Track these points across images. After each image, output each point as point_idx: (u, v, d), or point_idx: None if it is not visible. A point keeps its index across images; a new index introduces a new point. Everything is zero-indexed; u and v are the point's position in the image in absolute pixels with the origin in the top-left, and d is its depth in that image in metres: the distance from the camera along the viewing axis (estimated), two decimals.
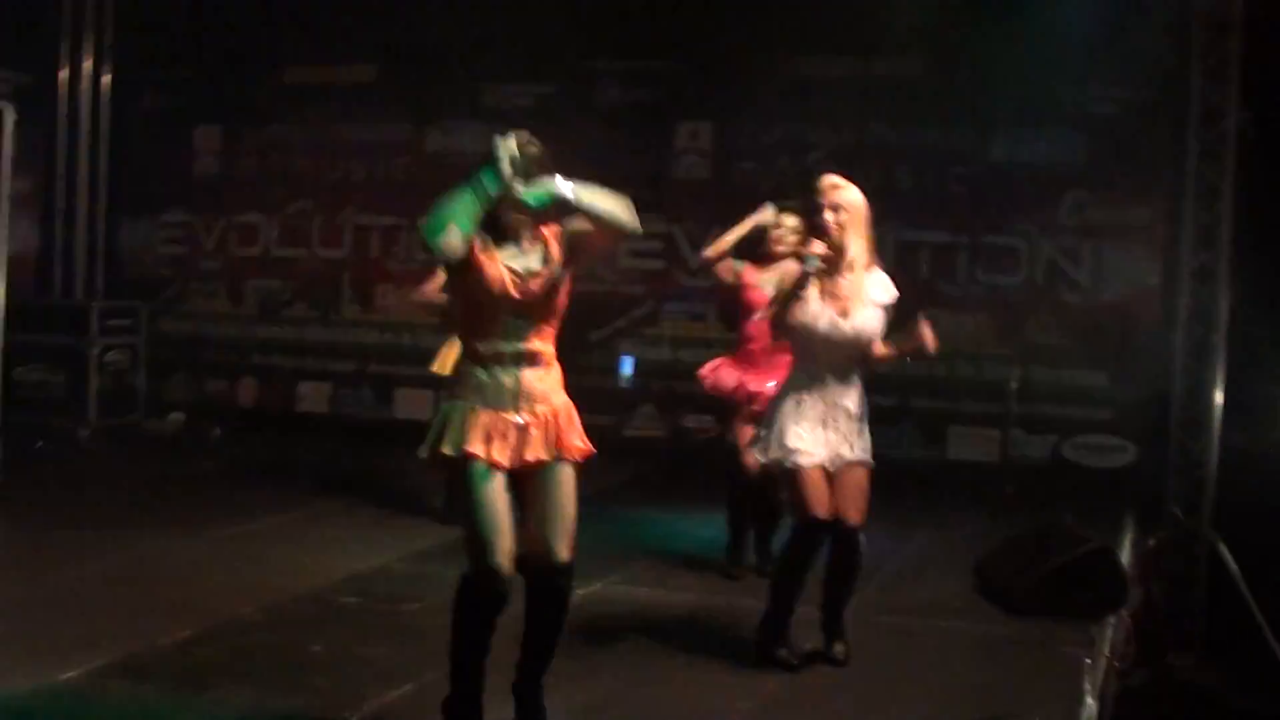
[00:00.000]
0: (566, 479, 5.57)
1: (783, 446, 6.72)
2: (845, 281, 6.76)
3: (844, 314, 6.72)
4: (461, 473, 5.42)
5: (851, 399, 6.87)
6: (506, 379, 5.45)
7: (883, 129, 12.86)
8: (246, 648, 7.01)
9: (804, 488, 6.70)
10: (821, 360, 6.78)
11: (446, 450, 5.40)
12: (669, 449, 13.31)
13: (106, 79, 15.51)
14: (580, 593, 8.01)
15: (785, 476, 6.80)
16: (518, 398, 5.46)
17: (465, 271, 5.37)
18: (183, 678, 6.47)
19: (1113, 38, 11.74)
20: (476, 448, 5.37)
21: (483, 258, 5.37)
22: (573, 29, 13.36)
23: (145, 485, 11.73)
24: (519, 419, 5.45)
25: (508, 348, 5.45)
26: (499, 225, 5.39)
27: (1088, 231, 12.27)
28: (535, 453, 5.47)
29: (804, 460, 6.70)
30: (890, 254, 12.21)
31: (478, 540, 5.37)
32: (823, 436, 6.76)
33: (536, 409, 5.49)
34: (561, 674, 6.33)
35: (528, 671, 5.66)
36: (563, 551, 5.53)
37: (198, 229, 15.34)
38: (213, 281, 15.27)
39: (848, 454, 6.83)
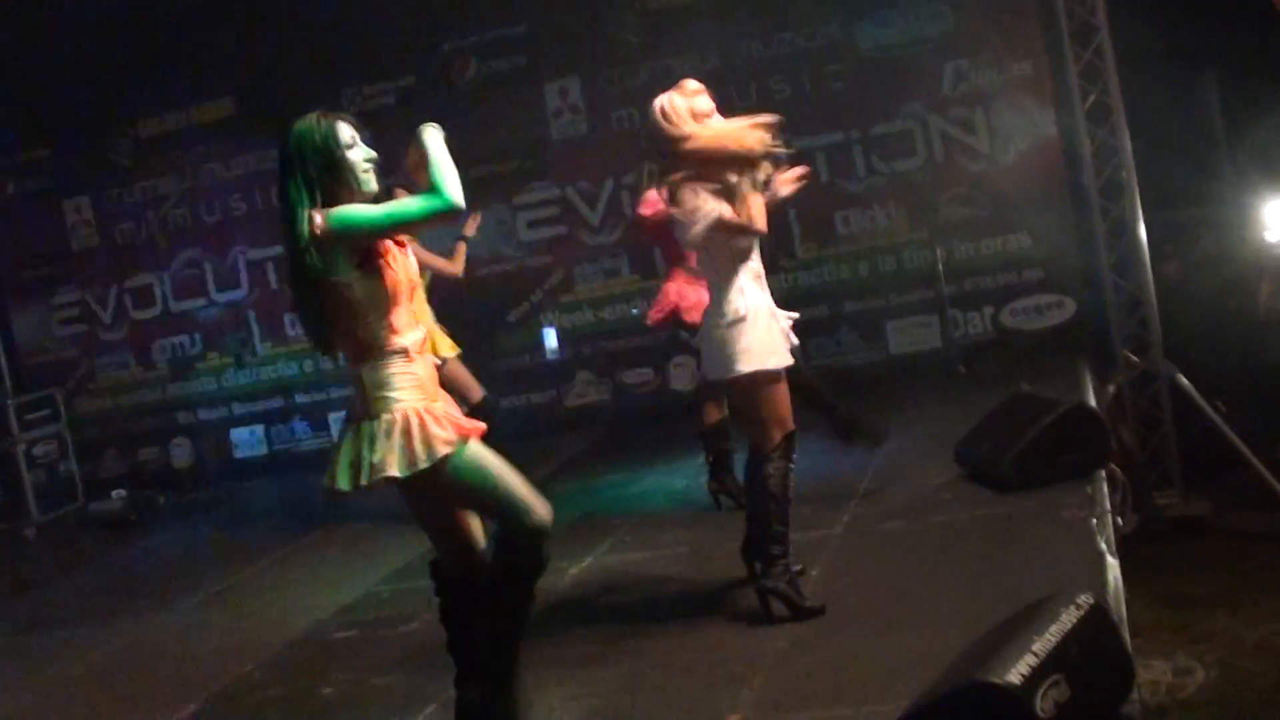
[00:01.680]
0: None
1: (764, 354, 6.49)
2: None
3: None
4: (458, 460, 5.04)
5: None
6: (427, 368, 5.20)
7: (747, 45, 12.71)
8: (258, 706, 6.87)
9: (783, 398, 6.56)
10: (756, 257, 6.62)
11: (437, 449, 4.98)
12: (614, 410, 13.18)
13: None
14: (573, 570, 7.99)
15: (763, 386, 6.55)
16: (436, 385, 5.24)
17: (376, 257, 5.02)
18: None
19: None
20: (463, 427, 5.10)
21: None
22: (419, 16, 13.20)
23: (105, 570, 11.51)
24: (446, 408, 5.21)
25: (418, 334, 5.20)
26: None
27: (975, 98, 12.18)
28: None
29: (781, 365, 6.54)
30: (786, 164, 12.20)
31: (522, 494, 5.13)
32: (780, 338, 6.61)
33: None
34: (587, 656, 6.25)
35: None
36: None
37: (91, 303, 15.06)
38: (119, 351, 14.99)
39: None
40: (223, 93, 14.22)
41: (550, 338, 13.34)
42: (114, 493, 13.82)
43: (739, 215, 6.39)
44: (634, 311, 12.80)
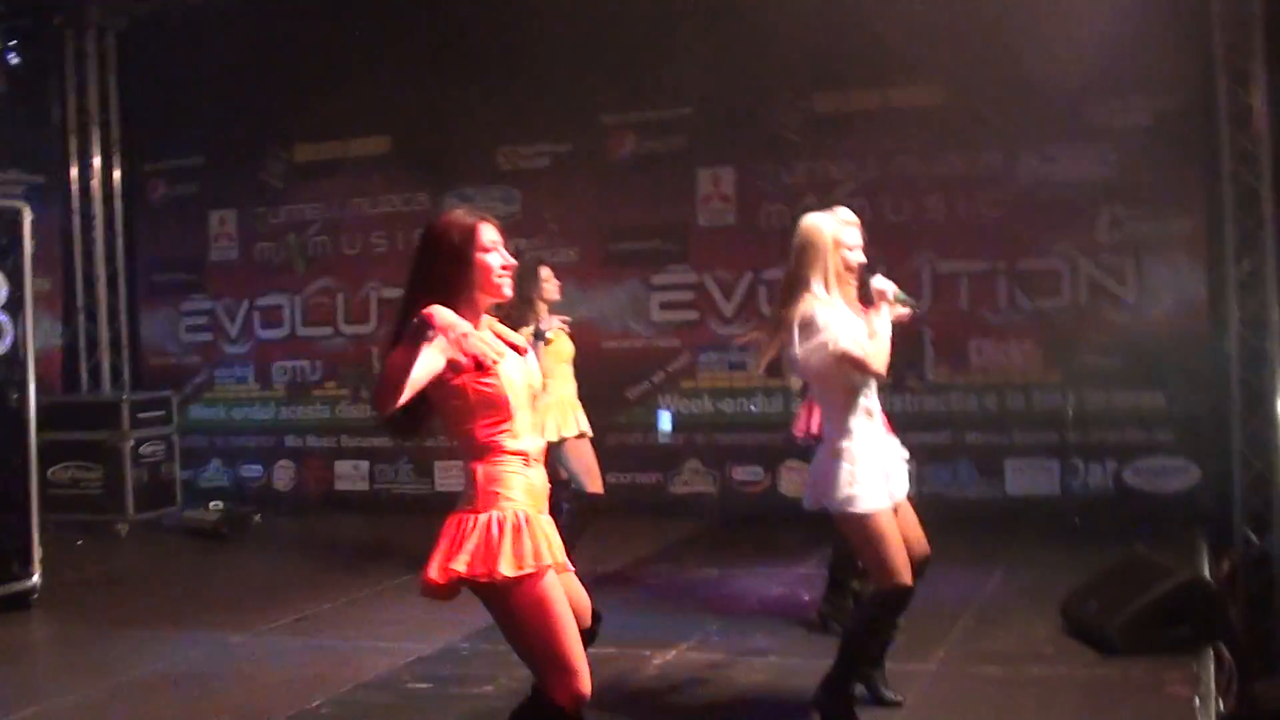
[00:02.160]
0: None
1: (859, 495, 6.35)
2: None
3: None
4: (530, 589, 4.80)
5: None
6: (541, 478, 5.05)
7: (908, 160, 12.63)
8: None
9: (892, 545, 6.36)
10: (872, 394, 6.51)
11: (524, 565, 4.78)
12: (719, 503, 13.06)
13: (117, 173, 15.47)
14: (657, 660, 7.87)
15: (861, 529, 6.37)
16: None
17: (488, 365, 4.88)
18: None
19: (1134, 48, 11.52)
20: (549, 555, 4.87)
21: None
22: (584, 85, 13.35)
23: (190, 579, 11.57)
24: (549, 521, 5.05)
25: (539, 442, 5.09)
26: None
27: (1128, 247, 12.01)
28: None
29: (875, 508, 6.36)
30: (928, 286, 12.13)
31: (566, 666, 4.84)
32: (885, 477, 6.47)
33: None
34: None
35: None
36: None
37: (220, 314, 15.21)
38: (240, 366, 15.12)
39: (899, 491, 6.57)
40: (381, 130, 14.39)
41: (665, 420, 13.27)
42: (211, 503, 13.90)
43: (858, 350, 6.31)
44: (752, 408, 12.73)
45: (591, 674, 4.89)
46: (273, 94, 14.52)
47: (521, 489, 4.89)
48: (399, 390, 4.51)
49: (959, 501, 12.18)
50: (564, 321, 9.68)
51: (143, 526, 13.58)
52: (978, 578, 9.74)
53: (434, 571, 4.83)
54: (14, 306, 10.12)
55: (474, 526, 4.81)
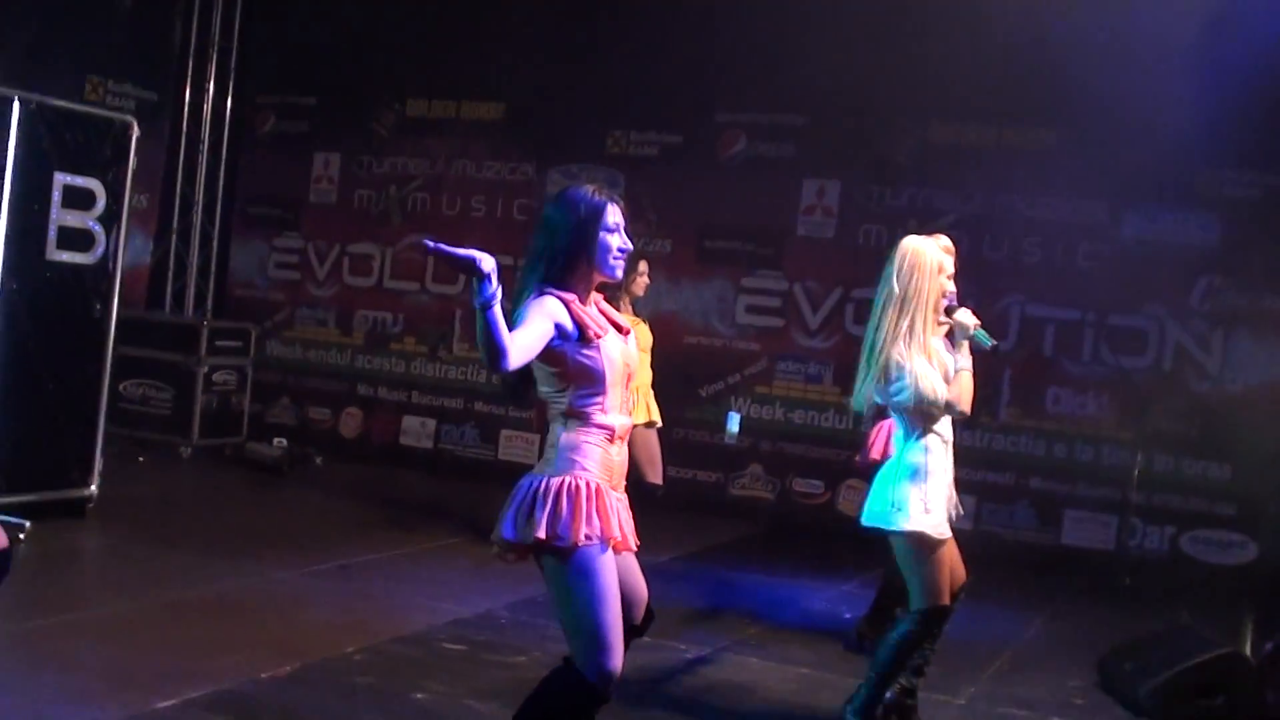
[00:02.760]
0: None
1: (928, 517, 6.40)
2: None
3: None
4: (583, 558, 4.86)
5: None
6: (621, 456, 5.11)
7: (1013, 199, 12.60)
8: (349, 690, 6.85)
9: (941, 568, 6.44)
10: (948, 426, 6.55)
11: (590, 535, 4.84)
12: (775, 511, 13.07)
13: (229, 100, 15.56)
14: (690, 656, 7.91)
15: (919, 549, 6.46)
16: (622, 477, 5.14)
17: (592, 334, 4.96)
18: (281, 717, 6.31)
19: (1252, 118, 11.45)
20: (613, 530, 4.95)
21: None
22: (702, 80, 13.34)
23: (246, 510, 11.70)
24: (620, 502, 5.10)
25: (626, 421, 5.12)
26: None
27: (1220, 318, 11.95)
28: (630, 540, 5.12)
29: (944, 533, 6.46)
30: (1015, 328, 12.11)
31: (600, 641, 4.87)
32: (950, 502, 6.52)
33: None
34: None
35: None
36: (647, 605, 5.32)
37: (311, 255, 15.32)
38: (323, 309, 15.24)
39: (954, 515, 6.62)
40: (496, 96, 14.44)
41: (734, 422, 13.26)
42: (275, 440, 14.00)
43: (948, 390, 6.38)
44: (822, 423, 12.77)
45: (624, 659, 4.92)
46: (393, 44, 14.63)
47: (599, 461, 4.96)
48: (505, 351, 4.54)
49: (1013, 544, 12.17)
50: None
51: (205, 452, 13.73)
52: (1020, 621, 9.76)
53: (508, 530, 4.90)
54: (109, 219, 10.17)
55: (548, 489, 4.87)
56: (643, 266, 9.85)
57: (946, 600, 6.48)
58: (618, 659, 4.91)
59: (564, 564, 4.85)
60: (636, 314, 9.75)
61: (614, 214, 5.07)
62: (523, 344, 4.65)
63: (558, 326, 4.81)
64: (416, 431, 14.67)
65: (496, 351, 4.53)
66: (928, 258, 6.48)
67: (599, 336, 4.93)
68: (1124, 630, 8.64)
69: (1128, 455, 11.89)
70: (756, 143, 13.47)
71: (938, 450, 6.46)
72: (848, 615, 9.17)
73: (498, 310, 4.50)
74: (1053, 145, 12.48)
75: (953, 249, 6.81)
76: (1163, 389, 12.03)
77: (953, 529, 6.56)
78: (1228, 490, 11.80)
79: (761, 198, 13.34)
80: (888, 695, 6.64)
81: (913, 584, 6.50)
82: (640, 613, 5.26)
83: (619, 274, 5.13)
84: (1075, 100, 11.92)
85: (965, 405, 6.44)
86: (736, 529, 12.41)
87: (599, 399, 4.96)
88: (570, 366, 4.90)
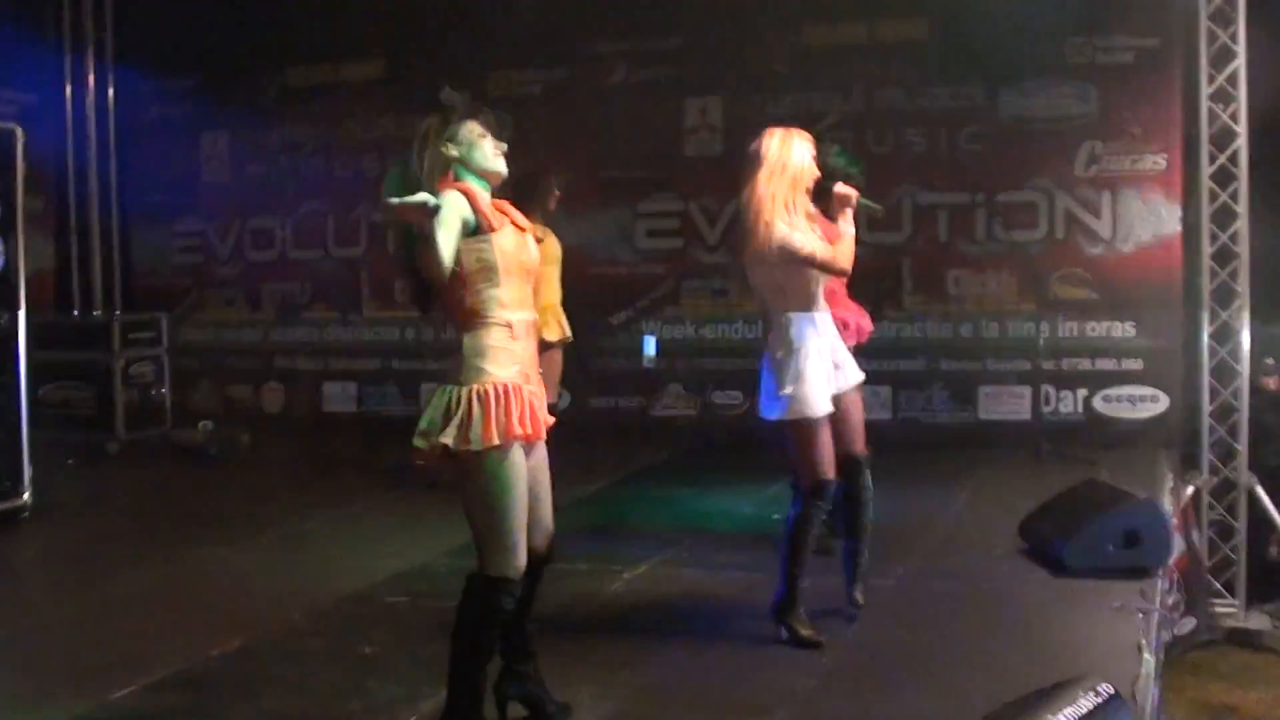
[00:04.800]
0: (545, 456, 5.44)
1: (807, 401, 6.58)
2: None
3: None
4: (490, 463, 5.05)
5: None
6: (528, 349, 5.26)
7: (892, 93, 12.80)
8: (298, 655, 6.97)
9: (819, 445, 6.64)
10: (821, 298, 6.77)
11: (493, 437, 4.98)
12: (698, 427, 13.26)
13: (110, 92, 15.51)
14: (626, 574, 8.09)
15: (802, 431, 6.63)
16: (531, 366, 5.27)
17: (487, 228, 5.13)
18: (236, 689, 6.44)
19: None
20: (520, 428, 5.07)
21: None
22: (578, 12, 13.39)
23: (179, 496, 11.72)
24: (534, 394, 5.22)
25: (526, 315, 5.27)
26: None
27: (1105, 182, 12.22)
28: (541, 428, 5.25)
29: (820, 411, 6.62)
30: (909, 218, 12.31)
31: (506, 541, 5.09)
32: (826, 376, 6.69)
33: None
34: (617, 659, 6.35)
35: (534, 668, 5.58)
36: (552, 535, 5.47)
37: (212, 236, 15.34)
38: (230, 288, 15.28)
39: (844, 381, 6.82)
40: (374, 54, 14.47)
41: (650, 345, 13.42)
42: (201, 423, 14.03)
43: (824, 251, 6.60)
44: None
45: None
46: (267, 16, 14.55)
47: (506, 360, 5.10)
48: (446, 256, 4.81)
49: (932, 427, 12.45)
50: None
51: (133, 446, 13.67)
52: (944, 500, 10.01)
53: (420, 441, 5.07)
54: (4, 228, 10.14)
55: (457, 400, 5.01)
56: (554, 184, 9.87)
57: (830, 475, 6.67)
58: (518, 564, 5.12)
59: (478, 469, 5.04)
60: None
61: (476, 128, 5.35)
62: (452, 243, 4.87)
63: (463, 221, 4.99)
64: (339, 397, 14.78)
65: (441, 258, 4.77)
66: (795, 137, 6.76)
67: (493, 230, 5.09)
68: (1045, 496, 8.84)
69: (1032, 327, 12.13)
70: (637, 69, 13.57)
71: (803, 327, 6.63)
72: (775, 516, 9.31)
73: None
74: (924, 35, 12.66)
75: (808, 135, 6.94)
76: (1058, 258, 12.29)
77: (842, 404, 6.75)
78: (1133, 347, 12.12)
79: (647, 123, 13.45)
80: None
81: (796, 464, 6.68)
82: (543, 541, 5.41)
83: (504, 168, 5.33)
84: None
85: (845, 263, 6.67)
86: (662, 450, 12.58)
87: (495, 292, 5.10)
88: (465, 264, 5.03)
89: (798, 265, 6.55)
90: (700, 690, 6.20)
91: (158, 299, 15.24)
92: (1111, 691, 4.69)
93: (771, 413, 6.63)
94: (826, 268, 6.61)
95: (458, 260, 4.99)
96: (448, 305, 5.15)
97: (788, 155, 6.70)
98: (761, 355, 6.77)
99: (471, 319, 5.11)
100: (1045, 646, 6.56)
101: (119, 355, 13.71)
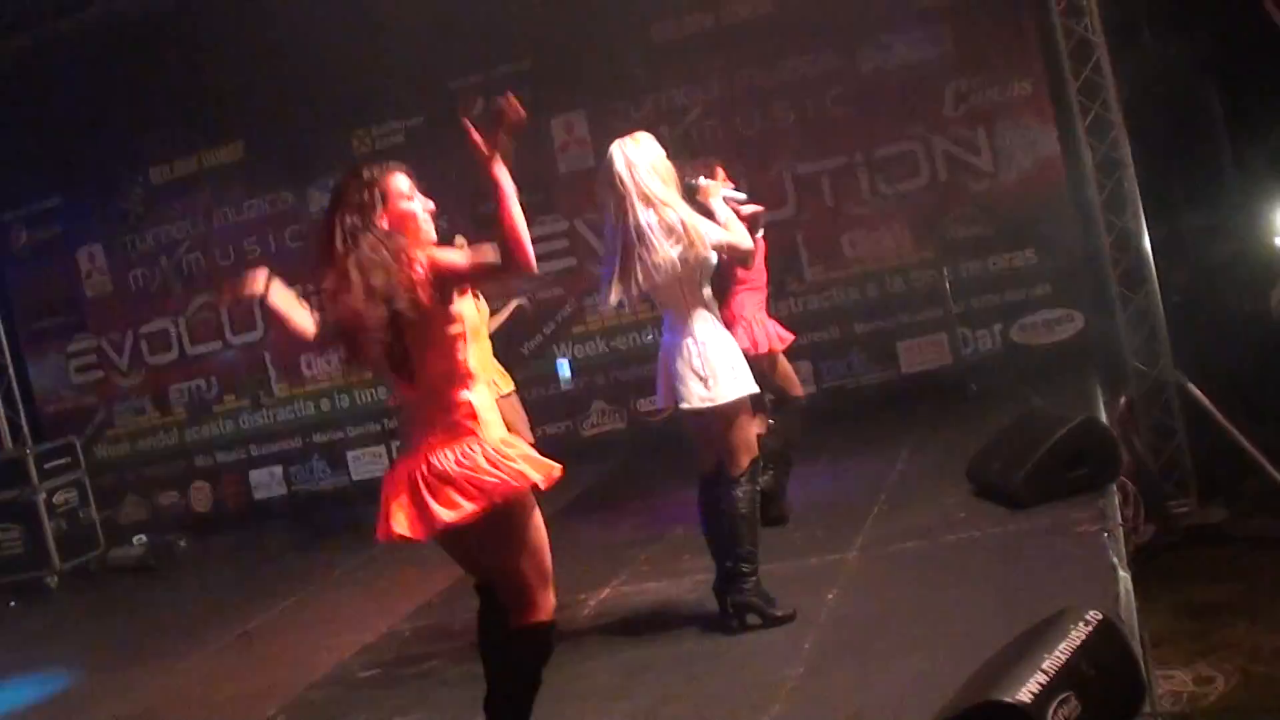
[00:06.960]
0: None
1: (738, 383, 6.67)
2: None
3: None
4: (532, 499, 5.03)
5: None
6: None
7: (751, 73, 12.81)
8: None
9: (746, 427, 6.73)
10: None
11: (522, 478, 4.92)
12: (629, 438, 13.22)
13: None
14: (592, 601, 8.04)
15: (737, 414, 6.70)
16: None
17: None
18: None
19: None
20: (537, 475, 5.00)
21: None
22: (426, 54, 13.25)
23: (128, 616, 11.57)
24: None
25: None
26: None
27: (977, 118, 12.27)
28: None
29: (747, 392, 6.73)
30: (792, 190, 12.33)
31: (549, 578, 5.10)
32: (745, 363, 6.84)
33: None
34: (608, 689, 6.29)
35: None
36: None
37: (107, 349, 15.14)
38: (136, 397, 15.08)
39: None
40: (233, 136, 14.31)
41: (564, 368, 13.39)
42: (135, 539, 13.84)
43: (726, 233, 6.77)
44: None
45: None
46: (117, 121, 14.35)
47: (500, 414, 5.15)
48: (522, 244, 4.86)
49: (857, 390, 12.48)
50: None
51: (72, 575, 13.48)
52: (886, 462, 9.97)
53: (468, 501, 4.88)
54: None
55: (490, 452, 4.92)
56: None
57: (756, 450, 6.78)
58: (552, 600, 5.14)
59: (515, 511, 4.96)
60: None
61: (404, 181, 5.26)
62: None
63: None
64: (267, 483, 14.62)
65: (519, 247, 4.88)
66: (647, 142, 6.75)
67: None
68: (983, 436, 8.87)
69: (935, 273, 12.18)
70: (496, 98, 13.45)
71: (704, 317, 6.68)
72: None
73: None
74: (771, 9, 12.70)
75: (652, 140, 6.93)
76: (947, 201, 12.34)
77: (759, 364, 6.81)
78: (1038, 273, 12.18)
79: (517, 149, 13.31)
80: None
81: (729, 450, 6.70)
82: None
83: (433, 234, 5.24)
84: None
85: (747, 241, 6.83)
86: (597, 469, 12.46)
87: (468, 355, 5.04)
88: (464, 324, 4.99)
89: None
90: (697, 704, 6.15)
91: (66, 423, 15.05)
92: (1100, 617, 4.68)
93: (695, 402, 6.62)
94: (735, 252, 6.71)
95: (449, 326, 4.96)
96: (443, 366, 5.00)
97: (659, 159, 6.68)
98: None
99: (469, 378, 5.04)
100: (1020, 585, 6.55)
101: (40, 488, 13.48)
